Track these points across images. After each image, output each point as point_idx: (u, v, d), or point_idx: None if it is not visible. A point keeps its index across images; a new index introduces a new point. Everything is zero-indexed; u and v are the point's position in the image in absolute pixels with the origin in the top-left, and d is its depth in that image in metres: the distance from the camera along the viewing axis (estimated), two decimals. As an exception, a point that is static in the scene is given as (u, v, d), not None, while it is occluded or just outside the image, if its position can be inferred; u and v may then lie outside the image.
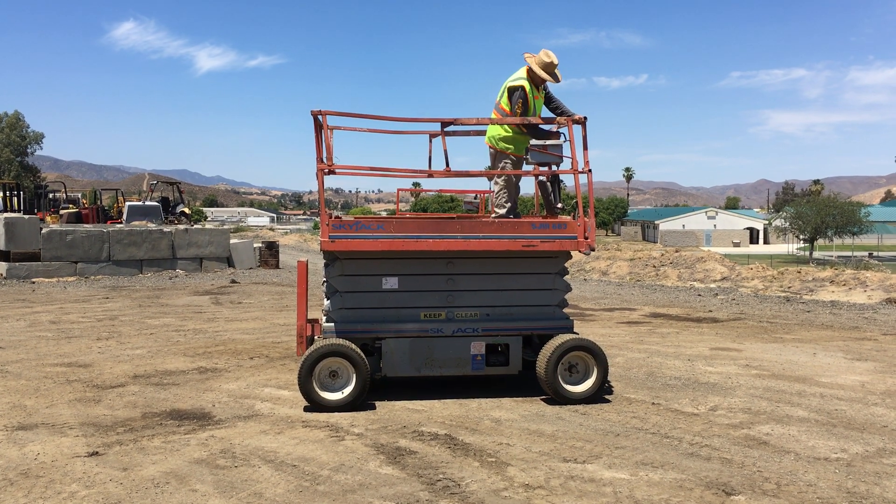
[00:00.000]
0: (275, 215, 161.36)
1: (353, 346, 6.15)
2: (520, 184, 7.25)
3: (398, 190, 10.49)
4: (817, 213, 55.97)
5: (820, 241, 58.75)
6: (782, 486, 4.47)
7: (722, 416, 6.04)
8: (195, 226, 24.68)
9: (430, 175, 6.69)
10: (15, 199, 30.12)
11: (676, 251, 22.90)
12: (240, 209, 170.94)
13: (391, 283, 6.40)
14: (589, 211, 6.30)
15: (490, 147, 7.11)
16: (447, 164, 6.60)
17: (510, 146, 6.95)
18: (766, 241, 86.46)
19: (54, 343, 9.36)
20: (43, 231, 18.85)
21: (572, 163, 6.37)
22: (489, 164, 7.31)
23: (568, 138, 6.42)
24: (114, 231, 19.82)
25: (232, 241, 22.81)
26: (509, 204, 6.97)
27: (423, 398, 6.47)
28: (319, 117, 6.10)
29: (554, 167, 7.11)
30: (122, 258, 19.60)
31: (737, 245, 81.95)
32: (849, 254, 54.65)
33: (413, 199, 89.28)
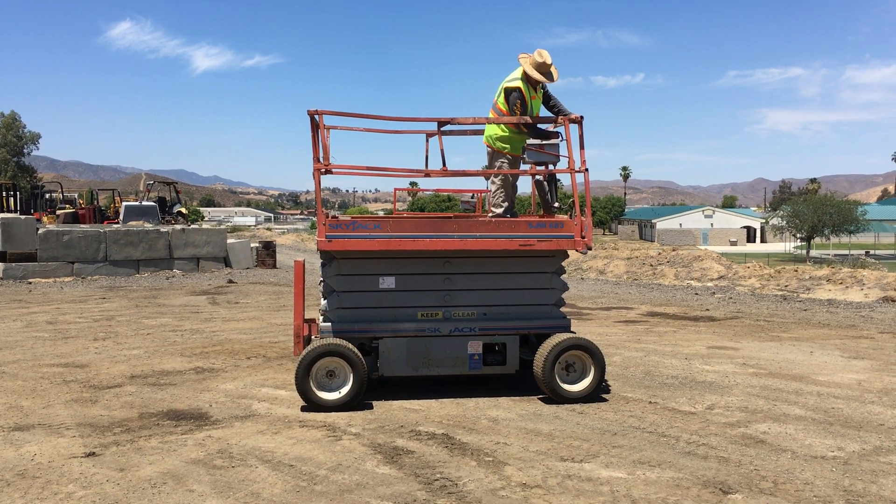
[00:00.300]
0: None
1: (350, 345, 6.14)
2: (517, 183, 7.25)
3: (395, 189, 10.49)
4: (814, 212, 56.04)
5: (817, 240, 58.83)
6: (779, 484, 4.47)
7: (719, 414, 6.05)
8: (192, 226, 24.66)
9: (427, 174, 6.69)
10: (11, 199, 30.05)
11: (673, 250, 22.93)
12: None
13: (388, 282, 6.40)
14: (586, 210, 6.30)
15: (487, 146, 7.11)
16: (444, 164, 6.60)
17: (507, 146, 6.95)
18: (763, 240, 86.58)
19: (51, 343, 9.35)
20: (39, 231, 18.82)
21: (569, 162, 6.37)
22: (485, 164, 7.31)
23: (565, 137, 6.43)
24: (110, 231, 19.78)
25: (229, 240, 22.78)
26: (506, 203, 6.98)
27: (420, 398, 6.47)
28: (316, 117, 6.10)
29: (551, 166, 7.11)
30: (118, 258, 19.57)
31: (734, 244, 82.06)
32: (846, 252, 54.72)
33: (410, 198, 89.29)
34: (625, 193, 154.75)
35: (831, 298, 14.82)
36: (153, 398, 6.55)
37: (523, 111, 6.77)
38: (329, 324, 6.39)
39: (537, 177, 7.22)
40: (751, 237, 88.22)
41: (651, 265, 20.90)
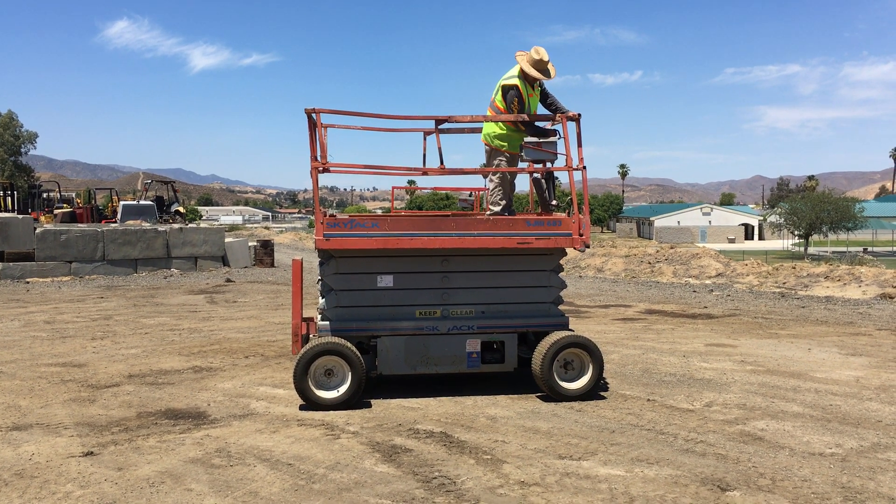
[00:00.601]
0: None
1: (349, 344, 6.14)
2: (514, 181, 7.25)
3: (393, 188, 10.49)
4: (812, 209, 56.07)
5: (815, 237, 58.86)
6: (777, 481, 4.48)
7: (717, 412, 6.05)
8: (190, 225, 24.64)
9: (425, 173, 6.68)
10: (9, 198, 30.03)
11: (671, 248, 22.95)
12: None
13: (386, 281, 6.40)
14: (584, 208, 6.30)
15: (485, 145, 7.11)
16: (441, 162, 6.60)
17: (504, 143, 6.94)
18: (761, 238, 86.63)
19: (49, 343, 9.34)
20: (37, 231, 18.79)
21: (567, 160, 6.37)
22: (483, 162, 7.32)
23: (563, 135, 6.43)
24: (108, 230, 19.76)
25: (227, 239, 22.77)
26: (504, 201, 6.97)
27: (418, 396, 6.47)
28: (313, 115, 6.09)
29: (549, 164, 7.10)
30: (116, 258, 19.55)
31: (732, 241, 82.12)
32: (843, 249, 54.76)
33: (408, 196, 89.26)
34: (623, 191, 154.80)
35: (829, 295, 14.83)
36: (151, 397, 6.54)
37: (521, 109, 6.77)
38: (327, 322, 6.39)
39: (535, 175, 7.21)
40: (749, 234, 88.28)
41: (649, 263, 20.91)
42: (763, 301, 14.05)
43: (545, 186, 7.19)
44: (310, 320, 7.15)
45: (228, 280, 18.30)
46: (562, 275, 6.83)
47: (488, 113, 6.99)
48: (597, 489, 4.35)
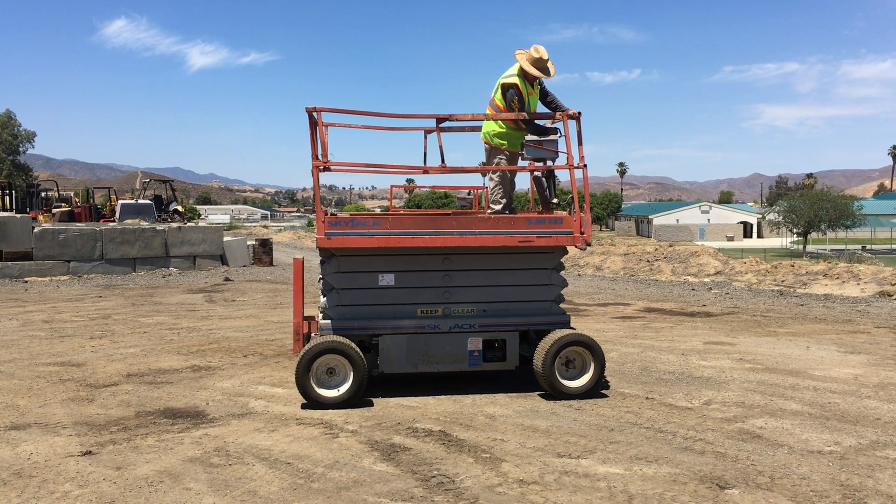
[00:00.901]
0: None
1: (351, 343, 6.14)
2: (514, 179, 7.25)
3: (392, 186, 10.48)
4: (810, 207, 56.12)
5: (813, 235, 58.91)
6: (776, 479, 4.48)
7: (716, 410, 6.05)
8: (188, 224, 24.62)
9: (426, 171, 6.68)
10: (7, 198, 30.00)
11: (670, 246, 22.95)
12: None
13: (387, 279, 6.40)
14: (585, 206, 6.31)
15: (485, 143, 7.10)
16: (442, 160, 6.60)
17: (504, 142, 6.94)
18: (759, 235, 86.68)
19: (47, 342, 9.33)
20: (35, 230, 18.77)
21: (568, 158, 6.37)
22: (483, 161, 7.31)
23: (563, 133, 6.43)
24: (106, 229, 19.75)
25: (225, 238, 22.76)
26: (505, 200, 6.97)
27: (417, 395, 6.47)
28: (314, 114, 6.09)
29: (549, 163, 7.10)
30: (114, 257, 19.54)
31: (730, 239, 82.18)
32: (842, 247, 54.79)
33: (407, 195, 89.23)
34: (621, 189, 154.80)
35: (828, 293, 14.84)
36: (150, 396, 6.54)
37: (521, 107, 6.77)
38: (329, 321, 6.39)
39: (535, 173, 7.21)
40: (747, 232, 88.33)
41: (648, 261, 20.92)
42: (762, 299, 14.06)
43: (546, 185, 7.19)
44: (311, 319, 7.15)
45: (227, 279, 18.29)
46: (562, 273, 6.83)
47: (488, 111, 6.99)
48: (595, 487, 4.35)
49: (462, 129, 7.62)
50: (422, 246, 6.25)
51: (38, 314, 12.02)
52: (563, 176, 7.15)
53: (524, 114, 6.72)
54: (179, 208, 31.26)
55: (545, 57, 6.77)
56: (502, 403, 6.23)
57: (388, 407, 6.12)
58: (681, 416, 5.87)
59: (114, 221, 24.46)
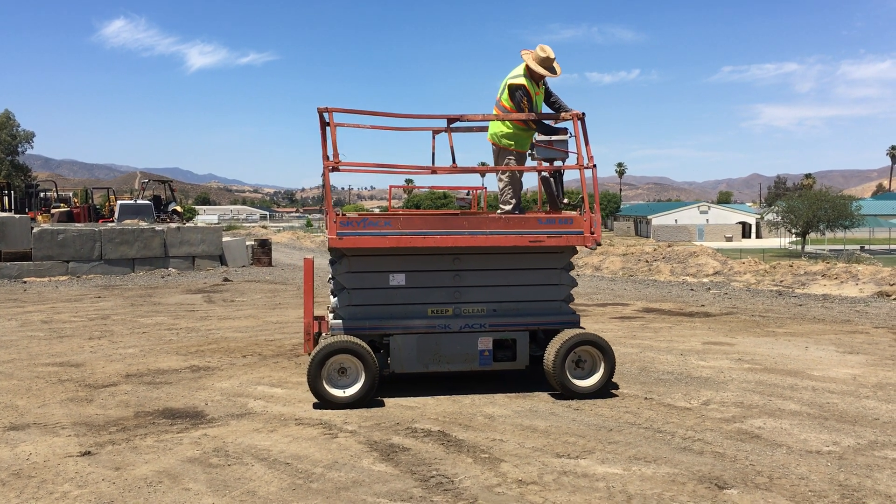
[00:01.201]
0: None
1: (363, 342, 6.15)
2: (522, 179, 7.27)
3: (390, 186, 10.49)
4: (809, 207, 56.15)
5: (812, 235, 58.94)
6: (774, 479, 4.49)
7: (714, 410, 6.06)
8: (187, 224, 24.61)
9: (434, 171, 6.70)
10: (6, 198, 29.98)
11: (669, 246, 22.97)
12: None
13: (398, 279, 6.41)
14: (595, 206, 6.32)
15: (493, 144, 7.10)
16: (454, 161, 6.62)
17: (512, 142, 6.94)
18: (758, 236, 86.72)
19: (46, 342, 9.32)
20: (34, 230, 18.75)
21: (578, 158, 6.39)
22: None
23: (573, 134, 6.45)
24: (105, 230, 19.73)
25: (224, 239, 22.75)
26: (514, 200, 6.98)
27: (416, 395, 6.47)
28: (325, 114, 6.10)
29: (559, 163, 7.11)
30: (113, 257, 19.52)
31: (729, 239, 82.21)
32: (840, 247, 54.83)
33: (406, 195, 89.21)
34: (620, 190, 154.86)
35: (826, 293, 14.85)
36: (149, 397, 6.53)
37: (530, 107, 6.78)
38: (340, 321, 6.39)
39: (543, 173, 7.22)
40: (746, 233, 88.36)
41: (646, 261, 20.93)
42: (760, 299, 14.07)
43: (554, 185, 7.20)
44: (321, 319, 7.17)
45: (226, 279, 18.28)
46: (572, 273, 6.85)
47: (494, 112, 6.99)
48: (594, 487, 4.35)
49: (469, 130, 7.66)
50: (433, 246, 6.27)
51: (37, 314, 12.02)
52: (566, 176, 7.18)
53: (534, 114, 6.73)
54: (178, 209, 31.26)
55: (552, 56, 6.78)
56: (501, 404, 6.24)
57: (387, 407, 6.12)
58: (679, 416, 5.88)
59: (112, 222, 24.46)
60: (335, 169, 6.13)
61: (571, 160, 6.68)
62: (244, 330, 10.39)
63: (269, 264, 22.78)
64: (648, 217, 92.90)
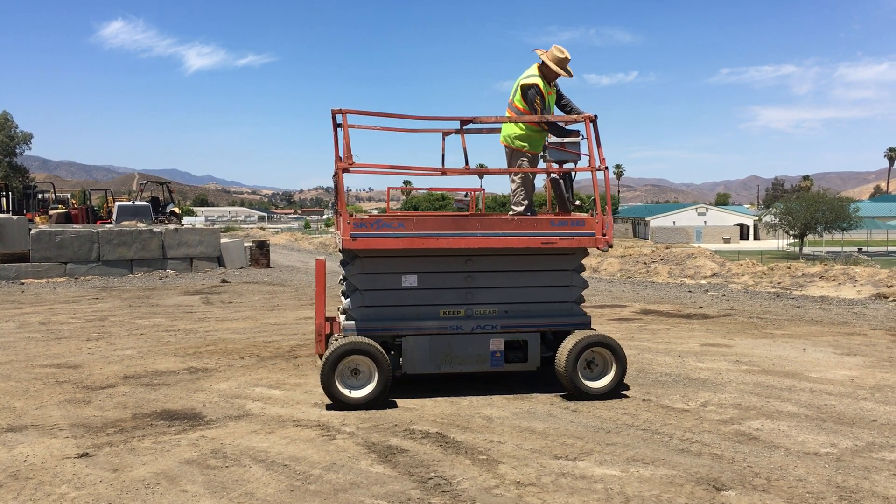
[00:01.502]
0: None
1: (376, 343, 6.16)
2: (534, 181, 7.29)
3: (388, 188, 10.49)
4: (807, 209, 56.19)
5: (809, 237, 58.99)
6: (772, 481, 4.49)
7: (712, 411, 6.06)
8: (185, 225, 24.59)
9: (444, 173, 6.72)
10: (3, 199, 29.93)
11: (667, 248, 22.99)
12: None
13: (410, 280, 6.42)
14: (606, 208, 6.34)
15: (505, 146, 7.10)
16: (466, 162, 6.64)
17: (525, 144, 6.94)
18: (756, 237, 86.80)
19: (44, 344, 9.31)
20: (32, 232, 18.74)
21: (590, 160, 6.40)
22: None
23: (586, 136, 6.46)
24: (103, 231, 19.72)
25: (222, 240, 22.74)
26: (526, 202, 6.99)
27: (414, 396, 6.47)
28: (338, 116, 6.12)
29: (571, 164, 7.12)
30: (111, 258, 19.51)
31: (727, 241, 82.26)
32: (838, 249, 54.87)
33: (404, 197, 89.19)
34: (618, 191, 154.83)
35: (824, 295, 14.87)
36: (146, 398, 6.53)
37: (543, 106, 6.79)
38: (352, 322, 6.40)
39: (553, 175, 7.23)
40: (744, 235, 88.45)
41: (645, 263, 20.95)
42: (758, 301, 14.08)
43: (565, 187, 7.20)
44: (332, 320, 7.17)
45: (224, 281, 18.27)
46: (583, 274, 6.87)
47: (507, 113, 7.00)
48: (592, 489, 4.35)
49: (479, 132, 7.66)
50: (446, 247, 6.28)
51: (35, 316, 12.00)
52: (578, 177, 7.20)
53: (547, 116, 6.74)
54: (176, 210, 31.24)
55: (568, 57, 6.80)
56: (499, 405, 6.24)
57: (385, 408, 6.12)
58: (677, 417, 5.88)
59: (110, 223, 24.43)
60: (347, 170, 6.14)
61: (583, 162, 6.70)
62: (242, 331, 10.38)
63: (268, 266, 22.77)
64: (646, 219, 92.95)
